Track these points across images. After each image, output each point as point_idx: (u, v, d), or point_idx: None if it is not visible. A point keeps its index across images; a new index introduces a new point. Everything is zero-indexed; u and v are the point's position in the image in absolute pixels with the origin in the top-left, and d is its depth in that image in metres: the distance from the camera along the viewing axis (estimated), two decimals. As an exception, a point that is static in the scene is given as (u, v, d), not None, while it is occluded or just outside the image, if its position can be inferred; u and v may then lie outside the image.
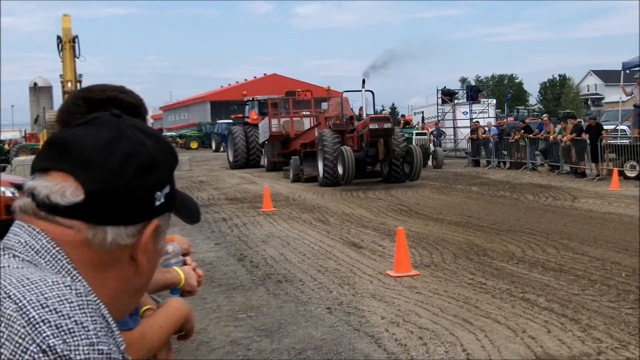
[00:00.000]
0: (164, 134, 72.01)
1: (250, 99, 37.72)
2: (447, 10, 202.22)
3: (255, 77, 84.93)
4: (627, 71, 24.01)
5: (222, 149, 56.29)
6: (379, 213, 15.94)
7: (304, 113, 32.37)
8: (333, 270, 9.96)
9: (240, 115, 38.97)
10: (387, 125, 21.93)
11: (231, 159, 35.55)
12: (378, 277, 9.44)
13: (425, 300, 8.11)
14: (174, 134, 74.07)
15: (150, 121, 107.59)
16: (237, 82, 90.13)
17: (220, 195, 21.44)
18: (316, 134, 25.92)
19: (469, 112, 38.79)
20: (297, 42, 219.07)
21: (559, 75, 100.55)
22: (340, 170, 21.83)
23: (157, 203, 1.24)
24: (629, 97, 23.54)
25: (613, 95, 65.61)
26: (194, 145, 65.72)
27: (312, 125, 29.46)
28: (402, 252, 9.60)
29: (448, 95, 42.06)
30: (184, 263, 2.52)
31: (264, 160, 33.45)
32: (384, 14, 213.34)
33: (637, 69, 23.65)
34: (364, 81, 24.96)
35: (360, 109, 25.99)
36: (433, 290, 8.57)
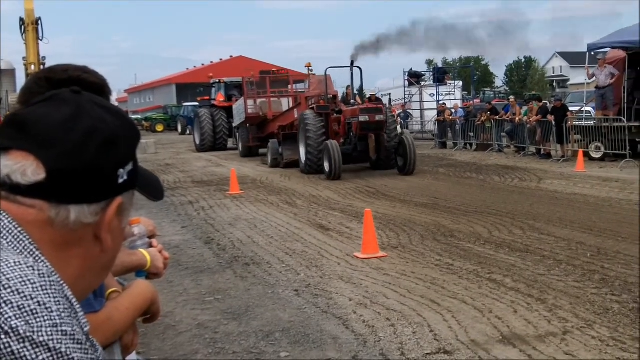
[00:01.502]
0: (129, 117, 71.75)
1: (217, 81, 37.22)
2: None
3: (221, 59, 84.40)
4: (592, 53, 24.18)
5: (188, 132, 55.91)
6: (346, 195, 15.94)
7: (282, 93, 30.86)
8: (301, 253, 9.94)
9: (207, 97, 38.45)
10: (379, 117, 19.74)
11: (198, 142, 35.13)
12: (346, 259, 9.44)
13: (392, 281, 8.13)
14: (139, 116, 73.36)
15: (115, 103, 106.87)
16: (203, 64, 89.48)
17: (187, 178, 21.32)
18: (296, 116, 24.38)
19: (435, 94, 38.84)
20: (266, 23, 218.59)
21: (525, 57, 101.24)
22: (326, 166, 19.72)
23: (120, 180, 1.22)
24: (592, 79, 23.73)
25: (578, 77, 66.30)
26: (159, 128, 65.19)
27: (291, 106, 27.86)
28: (370, 234, 9.61)
29: (415, 77, 42.06)
30: (150, 245, 2.49)
31: (238, 145, 31.62)
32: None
33: (601, 50, 23.83)
34: (352, 62, 22.89)
35: (348, 87, 23.84)
36: (400, 271, 8.59)
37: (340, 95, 25.29)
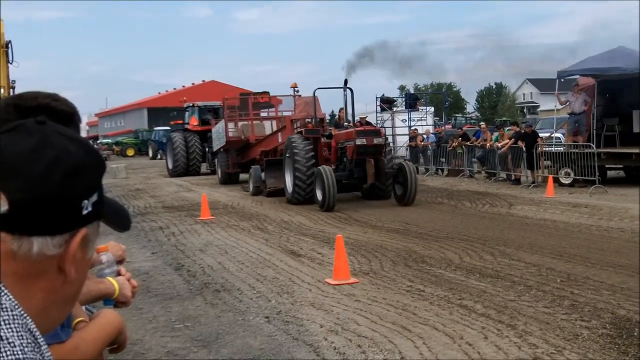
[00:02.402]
0: (99, 141, 71.16)
1: (190, 104, 37.01)
2: (387, 17, 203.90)
3: (194, 84, 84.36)
4: (562, 79, 24.49)
5: (159, 157, 55.74)
6: (318, 221, 15.92)
7: (264, 115, 29.30)
8: (272, 279, 9.89)
9: (180, 121, 38.23)
10: (377, 141, 18.33)
11: (170, 167, 34.74)
12: (317, 285, 9.41)
13: (364, 307, 8.11)
14: (110, 141, 73.14)
15: (85, 128, 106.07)
16: (175, 88, 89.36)
17: (157, 204, 21.18)
18: (280, 140, 22.89)
19: (407, 119, 39.09)
20: (237, 47, 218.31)
21: (496, 84, 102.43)
22: (319, 195, 17.99)
23: (85, 211, 1.21)
24: (564, 105, 24.03)
25: (548, 103, 67.02)
26: (130, 152, 64.98)
27: (274, 129, 26.09)
28: (341, 259, 9.59)
29: (387, 103, 42.29)
30: (118, 273, 2.47)
31: (217, 171, 29.82)
32: (325, 19, 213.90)
33: (572, 77, 24.14)
34: (346, 81, 21.13)
35: (341, 110, 22.05)
36: (372, 297, 8.57)
37: (327, 118, 24.42)
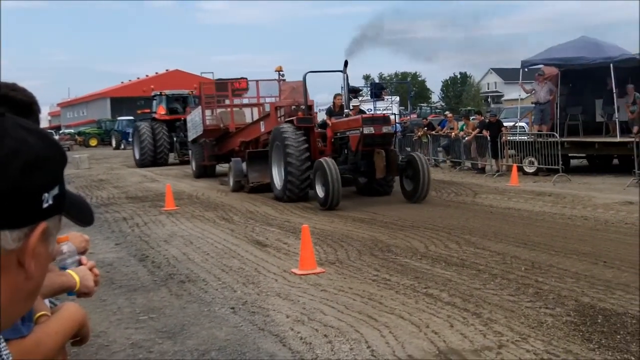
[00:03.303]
0: (61, 131, 70.35)
1: (158, 93, 36.32)
2: (356, 7, 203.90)
3: (157, 73, 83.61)
4: (526, 69, 24.69)
5: (122, 147, 55.25)
6: (284, 210, 15.88)
7: (244, 101, 26.61)
8: (237, 270, 9.84)
9: (147, 110, 37.49)
10: (386, 129, 16.21)
11: (137, 157, 34.04)
12: (283, 275, 9.38)
13: (330, 297, 8.09)
14: (72, 131, 72.29)
15: (47, 118, 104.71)
16: (138, 77, 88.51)
17: (121, 194, 20.97)
18: (262, 129, 20.98)
19: (373, 109, 39.12)
20: (203, 37, 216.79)
21: (460, 73, 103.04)
22: (319, 192, 15.82)
23: (45, 205, 1.18)
24: (529, 94, 24.23)
25: (512, 92, 67.64)
26: (93, 142, 64.35)
27: (256, 117, 23.89)
28: (307, 249, 9.57)
29: (352, 92, 42.33)
30: (80, 263, 2.45)
31: (191, 164, 27.70)
32: (292, 9, 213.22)
33: (536, 67, 24.35)
34: (346, 62, 18.80)
35: (337, 96, 19.08)
36: (338, 287, 8.56)
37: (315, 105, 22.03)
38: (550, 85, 22.69)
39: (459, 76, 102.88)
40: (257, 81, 26.02)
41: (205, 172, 26.32)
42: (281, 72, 24.29)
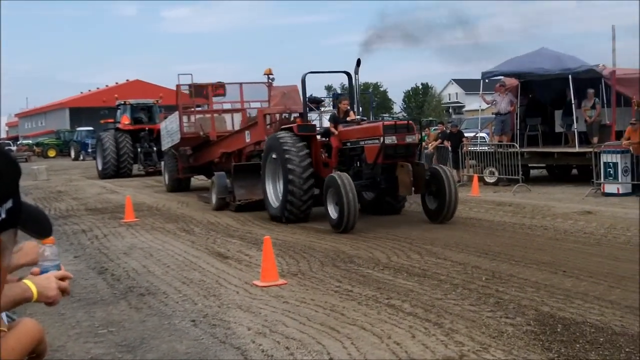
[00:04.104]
0: (19, 142, 69.47)
1: (122, 102, 35.65)
2: (318, 16, 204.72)
3: (117, 83, 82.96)
4: (487, 80, 24.97)
5: (82, 158, 54.69)
6: (245, 222, 15.79)
7: (226, 107, 23.87)
8: (198, 282, 9.75)
9: (111, 120, 36.63)
10: (410, 139, 14.03)
11: (100, 168, 33.34)
12: (244, 287, 9.31)
13: (292, 309, 8.05)
14: (30, 142, 71.43)
15: (4, 129, 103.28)
16: (98, 88, 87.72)
17: (80, 206, 20.69)
18: (247, 139, 18.98)
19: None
20: (165, 46, 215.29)
21: (422, 84, 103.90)
22: (332, 212, 13.67)
23: None
24: (489, 105, 24.49)
25: (473, 103, 68.35)
26: (51, 153, 63.69)
27: (237, 124, 22.06)
28: (269, 261, 9.52)
29: (314, 103, 42.38)
30: (59, 267, 2.45)
31: (164, 177, 25.18)
32: (255, 18, 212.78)
33: (496, 78, 24.63)
34: (359, 62, 16.31)
35: (342, 101, 16.10)
36: (300, 299, 8.53)
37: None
38: (510, 96, 22.97)
39: (420, 87, 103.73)
40: (240, 84, 23.31)
41: (179, 185, 24.17)
42: (270, 76, 22.02)
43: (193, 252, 12.14)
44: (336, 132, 15.34)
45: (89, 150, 54.79)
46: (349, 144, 15.10)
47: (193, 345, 6.92)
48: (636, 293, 8.14)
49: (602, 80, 21.72)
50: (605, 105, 21.67)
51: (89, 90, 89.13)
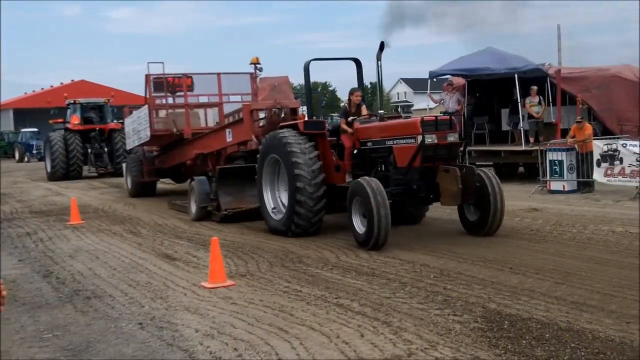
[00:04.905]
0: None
1: (72, 102, 34.56)
2: (265, 17, 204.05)
3: (62, 83, 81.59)
4: (434, 79, 25.20)
5: (26, 159, 53.69)
6: (193, 223, 15.65)
7: (202, 100, 20.97)
8: (145, 284, 9.63)
9: (60, 120, 35.53)
10: (453, 138, 11.81)
11: (49, 170, 32.33)
12: (192, 289, 9.22)
13: (240, 310, 8.00)
14: (-28, 144, 69.90)
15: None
16: (42, 88, 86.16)
17: (24, 208, 20.30)
18: (229, 139, 16.79)
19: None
20: (110, 47, 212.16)
21: (370, 83, 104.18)
22: (359, 225, 11.62)
23: None
24: (437, 104, 24.70)
25: (421, 102, 68.83)
26: (-5, 155, 62.37)
27: (212, 119, 20.14)
28: (217, 262, 9.44)
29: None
30: None
31: (126, 180, 22.90)
32: (199, 19, 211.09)
33: (444, 77, 24.86)
34: (382, 45, 13.35)
35: (355, 93, 13.83)
36: (248, 300, 8.47)
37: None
38: (458, 95, 23.22)
39: (369, 86, 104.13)
40: (218, 74, 20.40)
41: (143, 190, 21.97)
42: (258, 65, 19.47)
43: (140, 254, 11.99)
44: (350, 130, 13.32)
45: (34, 151, 53.80)
46: (369, 143, 12.87)
47: (140, 348, 6.82)
48: (581, 289, 8.28)
49: (548, 79, 22.08)
50: (551, 103, 22.03)
51: (33, 91, 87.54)
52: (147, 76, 19.81)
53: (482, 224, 12.07)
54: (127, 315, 8.08)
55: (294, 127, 13.46)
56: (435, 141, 11.55)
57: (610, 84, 21.94)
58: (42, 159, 40.37)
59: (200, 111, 20.76)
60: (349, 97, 13.95)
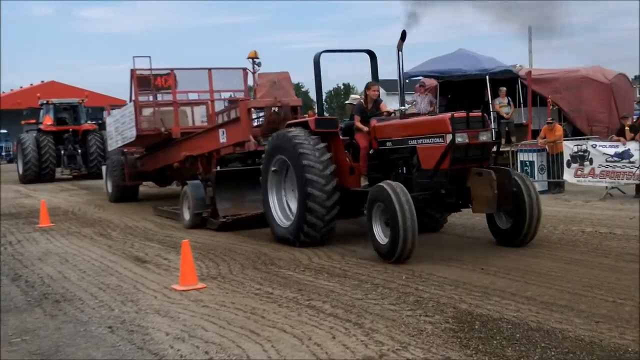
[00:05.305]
0: None
1: (45, 102, 33.94)
2: (240, 18, 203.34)
3: (32, 84, 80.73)
4: (407, 80, 25.31)
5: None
6: (164, 225, 15.56)
7: (192, 97, 19.67)
8: (115, 287, 9.54)
9: (33, 121, 35.09)
10: (485, 137, 10.72)
11: (20, 172, 31.72)
12: (163, 291, 9.15)
13: (211, 313, 7.95)
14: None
15: None
16: (11, 89, 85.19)
17: (-7, 211, 20.06)
18: (222, 139, 15.62)
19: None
20: (82, 47, 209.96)
21: (344, 84, 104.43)
22: (381, 235, 10.44)
23: None
24: (409, 105, 24.80)
25: (394, 103, 69.00)
26: (-37, 158, 61.61)
27: (199, 117, 19.08)
28: (188, 264, 9.38)
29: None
30: None
31: (106, 184, 21.83)
32: (174, 18, 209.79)
33: (416, 78, 24.98)
34: (404, 35, 12.13)
35: (372, 87, 12.71)
36: (220, 302, 8.42)
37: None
38: (430, 96, 23.36)
39: (342, 87, 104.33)
40: (209, 69, 19.16)
41: (125, 194, 20.79)
42: (256, 60, 17.48)
43: (110, 257, 11.89)
44: (365, 129, 12.20)
45: (3, 153, 53.21)
46: (389, 143, 11.75)
47: (110, 352, 6.75)
48: (551, 289, 8.34)
49: (519, 81, 22.26)
50: (522, 105, 22.20)
51: (3, 92, 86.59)
52: (133, 71, 18.35)
53: (515, 233, 10.97)
54: (96, 318, 8.00)
55: (304, 125, 12.32)
56: (466, 140, 10.43)
57: (581, 85, 22.20)
58: (11, 160, 39.85)
59: (187, 109, 19.47)
60: (365, 92, 12.78)
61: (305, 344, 6.63)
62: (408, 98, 24.86)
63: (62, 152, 32.39)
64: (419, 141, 10.99)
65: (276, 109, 14.90)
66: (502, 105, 21.68)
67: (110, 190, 21.28)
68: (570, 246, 11.13)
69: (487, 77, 21.69)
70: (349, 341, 6.64)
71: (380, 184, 10.48)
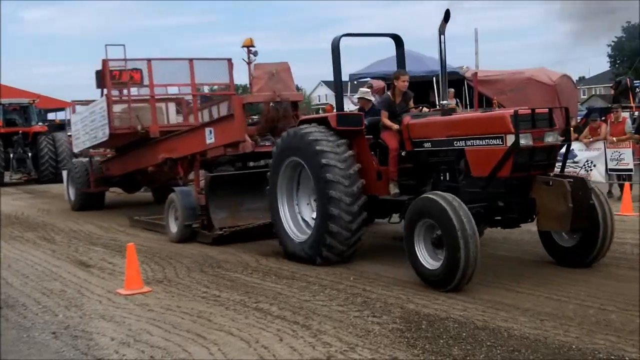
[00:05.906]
0: None
1: None
2: (188, 18, 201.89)
3: (-25, 87, 79.07)
4: (355, 82, 25.38)
5: None
6: (109, 229, 15.33)
7: (171, 92, 17.86)
8: (59, 292, 9.36)
9: None
10: (552, 139, 8.80)
11: None
12: (108, 296, 9.01)
13: (157, 317, 7.85)
14: None
15: None
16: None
17: None
18: (210, 140, 13.50)
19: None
20: (22, 48, 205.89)
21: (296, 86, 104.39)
22: (428, 261, 8.58)
23: None
24: (357, 106, 24.87)
25: (349, 104, 69.12)
26: None
27: (174, 114, 17.34)
28: (133, 268, 9.25)
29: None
30: None
31: (67, 191, 19.86)
32: (121, 18, 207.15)
33: (364, 79, 25.05)
34: (447, 14, 9.89)
35: (402, 77, 10.93)
36: (166, 306, 8.32)
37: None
38: (378, 98, 23.37)
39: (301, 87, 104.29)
40: (190, 60, 16.65)
41: (90, 202, 18.84)
42: (252, 48, 14.72)
43: (54, 262, 11.67)
44: (395, 126, 10.32)
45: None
46: (428, 144, 9.85)
47: (54, 358, 6.63)
48: (497, 288, 8.42)
49: (465, 82, 22.47)
50: (468, 106, 22.41)
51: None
52: (105, 62, 16.05)
53: (582, 251, 9.13)
54: (40, 324, 7.85)
55: (320, 122, 10.64)
56: (531, 143, 8.55)
57: (526, 86, 22.49)
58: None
59: (162, 105, 17.31)
60: (393, 82, 10.94)
61: (253, 346, 6.59)
62: (354, 99, 24.93)
63: (11, 155, 31.01)
64: (469, 143, 9.09)
65: (275, 104, 13.08)
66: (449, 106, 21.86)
67: (72, 197, 19.35)
68: (513, 246, 11.22)
69: (434, 78, 21.82)
70: (296, 343, 6.62)
71: (428, 195, 8.66)
